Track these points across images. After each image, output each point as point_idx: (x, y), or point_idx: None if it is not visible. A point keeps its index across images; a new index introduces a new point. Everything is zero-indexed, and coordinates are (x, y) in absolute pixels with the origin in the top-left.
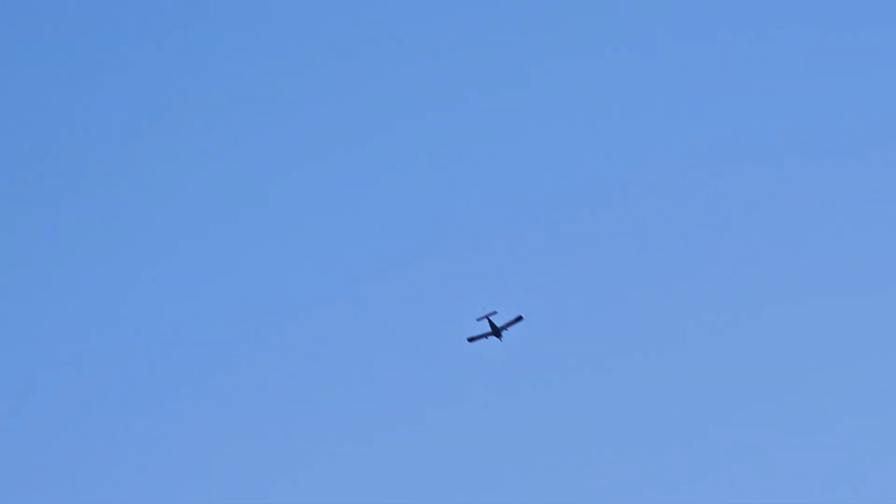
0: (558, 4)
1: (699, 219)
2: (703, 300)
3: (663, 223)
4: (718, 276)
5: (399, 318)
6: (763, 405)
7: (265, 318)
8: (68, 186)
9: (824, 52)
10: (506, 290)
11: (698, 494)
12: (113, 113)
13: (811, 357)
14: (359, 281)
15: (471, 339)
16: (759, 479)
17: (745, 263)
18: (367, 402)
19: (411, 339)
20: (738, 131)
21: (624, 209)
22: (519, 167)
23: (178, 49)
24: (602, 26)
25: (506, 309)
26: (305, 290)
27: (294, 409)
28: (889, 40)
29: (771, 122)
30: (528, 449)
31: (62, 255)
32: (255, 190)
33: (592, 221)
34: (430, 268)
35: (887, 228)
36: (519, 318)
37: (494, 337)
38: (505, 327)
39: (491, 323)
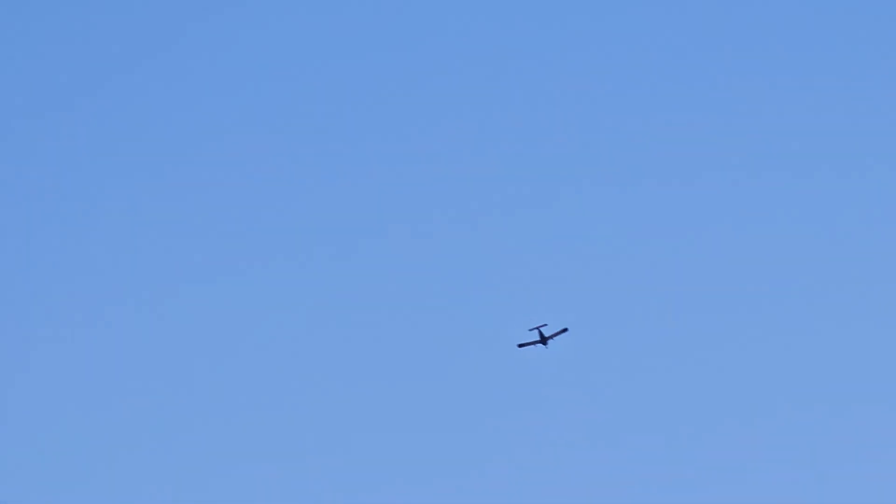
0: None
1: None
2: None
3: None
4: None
5: (456, 328)
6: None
7: (319, 324)
8: (68, 185)
9: (824, 52)
10: (552, 302)
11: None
12: (113, 112)
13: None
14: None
15: (521, 346)
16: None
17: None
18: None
19: (472, 345)
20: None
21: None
22: (567, 182)
23: (177, 49)
24: (602, 27)
25: (552, 319)
26: (368, 293)
27: (355, 417)
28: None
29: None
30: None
31: (61, 254)
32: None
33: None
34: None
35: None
36: (564, 330)
37: (541, 345)
38: (552, 337)
39: (540, 333)
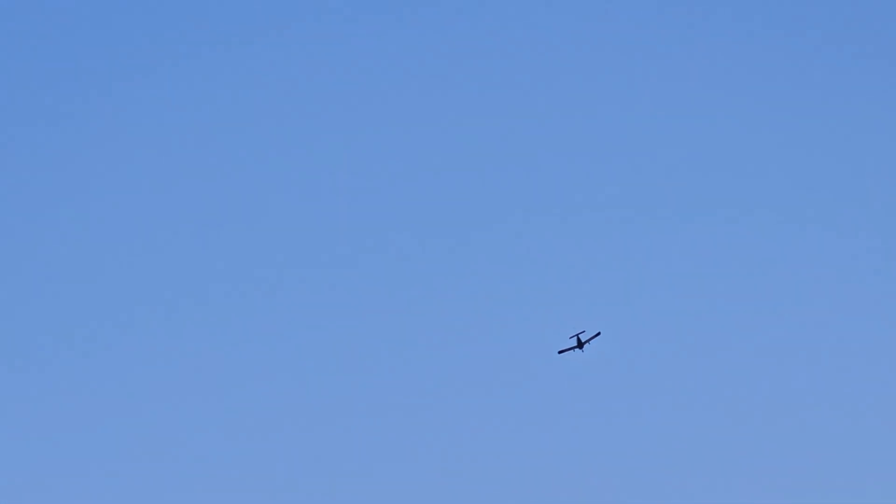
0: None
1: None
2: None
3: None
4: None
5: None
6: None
7: (360, 325)
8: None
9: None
10: (583, 308)
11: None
12: (112, 112)
13: None
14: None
15: (560, 352)
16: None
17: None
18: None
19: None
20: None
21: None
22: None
23: (176, 48)
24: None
25: (585, 324)
26: (410, 299)
27: (398, 418)
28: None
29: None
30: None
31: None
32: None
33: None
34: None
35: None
36: (598, 334)
37: (578, 349)
38: (588, 341)
39: (578, 339)
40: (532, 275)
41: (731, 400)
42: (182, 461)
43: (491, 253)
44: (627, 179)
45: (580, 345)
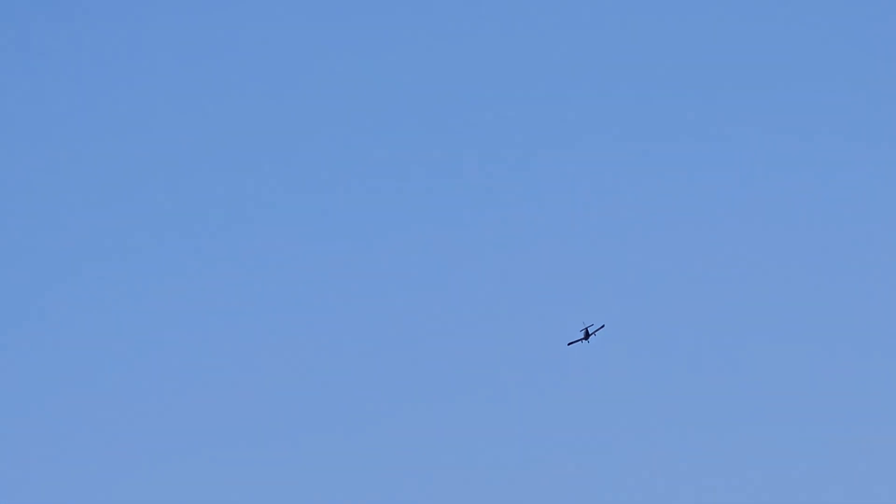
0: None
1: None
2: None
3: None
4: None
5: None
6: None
7: (371, 317)
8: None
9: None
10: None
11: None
12: (111, 112)
13: None
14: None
15: (570, 343)
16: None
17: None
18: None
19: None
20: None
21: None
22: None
23: (176, 49)
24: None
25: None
26: (427, 292)
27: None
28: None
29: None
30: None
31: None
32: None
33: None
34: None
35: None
36: (602, 326)
37: (584, 340)
38: (594, 332)
39: (586, 331)
40: (538, 269)
41: (734, 393)
42: (182, 461)
43: (499, 248)
44: (629, 171)
45: (587, 336)
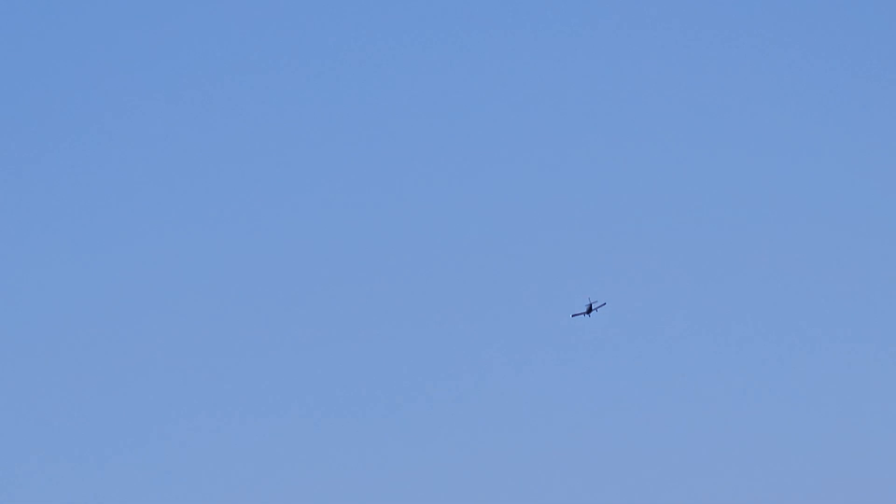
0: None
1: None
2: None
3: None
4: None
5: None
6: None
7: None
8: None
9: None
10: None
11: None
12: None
13: None
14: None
15: (573, 315)
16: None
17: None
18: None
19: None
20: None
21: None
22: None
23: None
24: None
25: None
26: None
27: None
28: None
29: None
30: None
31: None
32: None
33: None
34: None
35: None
36: (604, 304)
37: (586, 315)
38: (595, 308)
39: (589, 306)
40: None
41: (736, 382)
42: (181, 461)
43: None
44: (631, 160)
45: (588, 311)
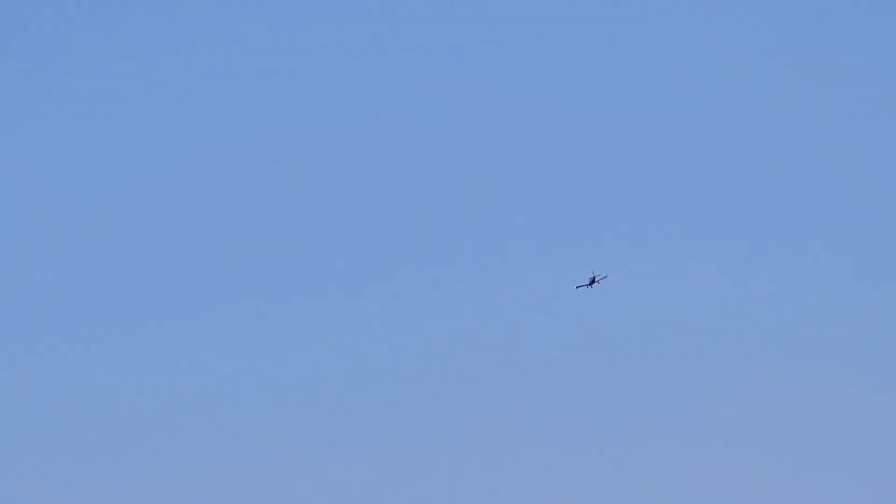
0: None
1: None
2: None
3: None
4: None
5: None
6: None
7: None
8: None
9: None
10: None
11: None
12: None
13: None
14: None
15: (577, 287)
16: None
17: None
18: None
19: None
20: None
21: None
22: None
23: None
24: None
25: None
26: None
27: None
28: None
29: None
30: None
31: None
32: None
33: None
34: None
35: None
36: (605, 277)
37: (589, 286)
38: (598, 281)
39: (592, 279)
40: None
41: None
42: (181, 460)
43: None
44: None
45: (591, 283)
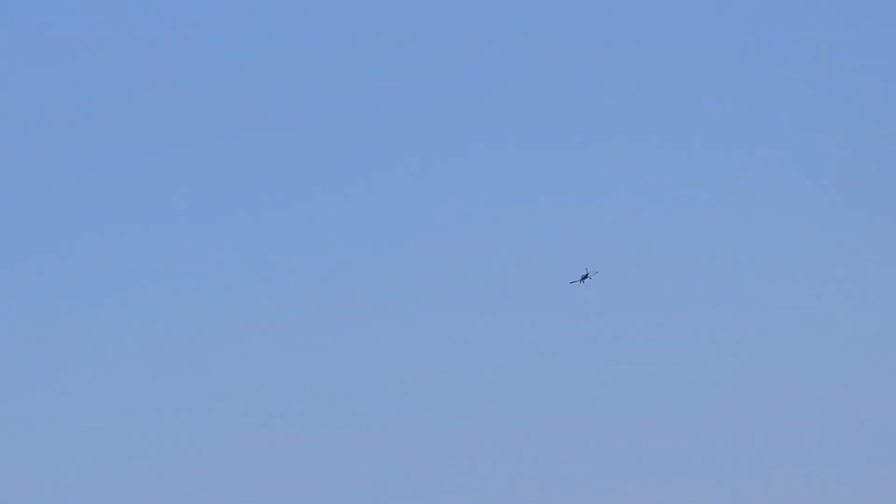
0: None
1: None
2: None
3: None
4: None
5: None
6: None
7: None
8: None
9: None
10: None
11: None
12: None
13: None
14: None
15: (571, 282)
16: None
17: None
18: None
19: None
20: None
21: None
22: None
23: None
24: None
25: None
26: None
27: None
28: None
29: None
30: None
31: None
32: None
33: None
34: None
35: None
36: (597, 272)
37: (581, 281)
38: (590, 276)
39: (584, 275)
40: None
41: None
42: (181, 459)
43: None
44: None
45: (583, 279)
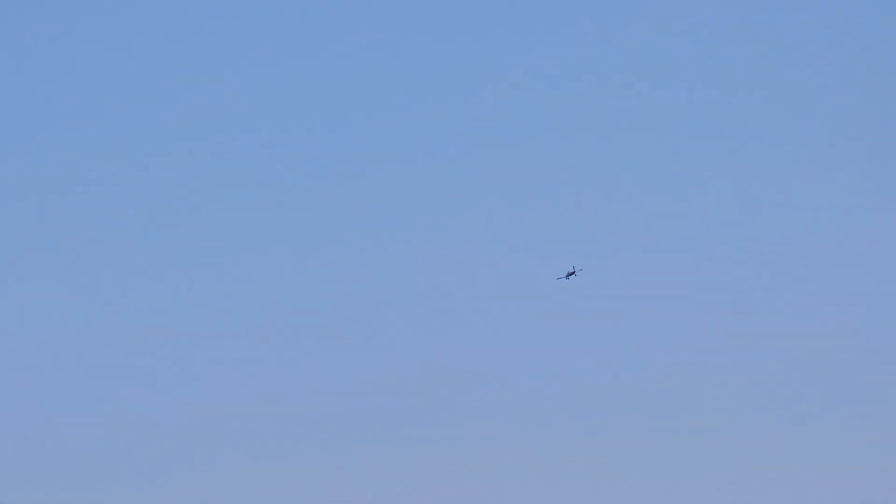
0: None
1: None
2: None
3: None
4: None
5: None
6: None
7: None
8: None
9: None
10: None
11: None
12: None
13: None
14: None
15: (557, 278)
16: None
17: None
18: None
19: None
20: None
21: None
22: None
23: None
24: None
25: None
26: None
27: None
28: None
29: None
30: None
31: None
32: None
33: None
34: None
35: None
36: (582, 269)
37: (566, 278)
38: (574, 273)
39: (569, 272)
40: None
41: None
42: (181, 459)
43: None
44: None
45: (569, 275)
